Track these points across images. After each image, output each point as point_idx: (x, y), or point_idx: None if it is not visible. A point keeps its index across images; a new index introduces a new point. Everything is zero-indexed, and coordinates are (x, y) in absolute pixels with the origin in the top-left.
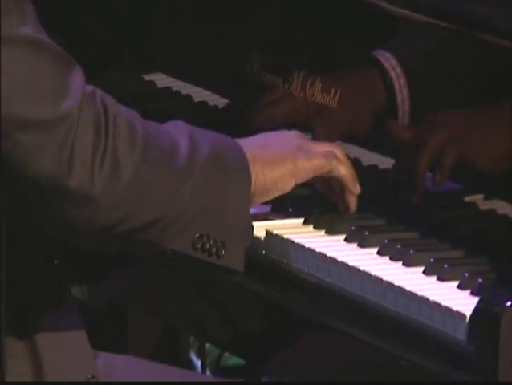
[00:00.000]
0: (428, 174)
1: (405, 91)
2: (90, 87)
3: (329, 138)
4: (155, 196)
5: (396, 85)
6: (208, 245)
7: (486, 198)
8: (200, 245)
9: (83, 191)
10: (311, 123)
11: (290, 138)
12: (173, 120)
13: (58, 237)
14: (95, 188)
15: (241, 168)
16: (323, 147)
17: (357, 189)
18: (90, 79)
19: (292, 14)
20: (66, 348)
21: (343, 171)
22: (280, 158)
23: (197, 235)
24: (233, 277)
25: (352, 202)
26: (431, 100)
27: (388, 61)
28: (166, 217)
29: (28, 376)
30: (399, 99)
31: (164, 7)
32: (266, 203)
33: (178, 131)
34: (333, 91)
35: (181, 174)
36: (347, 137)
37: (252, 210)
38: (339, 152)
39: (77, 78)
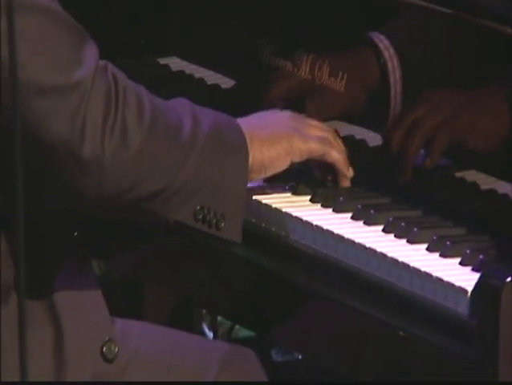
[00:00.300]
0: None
1: (397, 72)
2: (102, 61)
3: (327, 114)
4: (161, 167)
5: (390, 65)
6: (208, 217)
7: (487, 176)
8: (201, 217)
9: (94, 157)
10: (312, 101)
11: (285, 118)
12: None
13: (69, 206)
14: (105, 155)
15: (239, 146)
16: (318, 130)
17: (350, 172)
18: (116, 62)
19: (297, 5)
20: (84, 311)
21: (336, 156)
22: (276, 137)
23: (198, 207)
24: (236, 250)
25: (346, 184)
26: (423, 80)
27: (382, 42)
28: (170, 188)
29: (48, 339)
30: (391, 78)
31: None
32: (267, 179)
33: (182, 109)
34: (331, 71)
35: (185, 148)
36: (344, 114)
37: (255, 184)
38: (331, 137)
39: (91, 50)
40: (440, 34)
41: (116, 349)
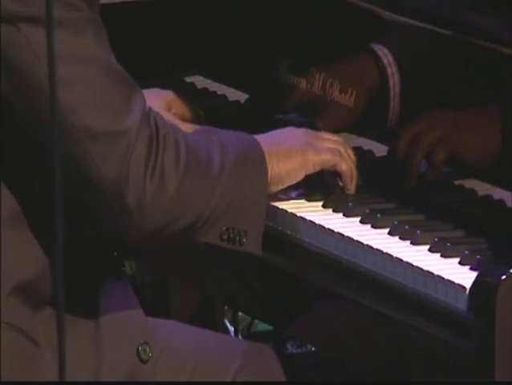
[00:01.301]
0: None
1: (397, 87)
2: (146, 108)
3: (337, 127)
4: (193, 203)
5: (389, 71)
6: (232, 235)
7: (483, 183)
8: (226, 236)
9: (136, 199)
10: (321, 118)
11: (299, 134)
12: (208, 125)
13: (110, 236)
14: (146, 197)
15: (260, 164)
16: (330, 143)
17: (358, 180)
18: (144, 80)
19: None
20: (122, 316)
21: (345, 166)
22: (292, 152)
23: (224, 228)
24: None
25: (353, 191)
26: (421, 95)
27: (382, 51)
28: (201, 219)
29: (86, 344)
30: (390, 83)
31: (202, 22)
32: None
33: (210, 142)
34: (342, 87)
35: (214, 180)
36: (352, 126)
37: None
38: (343, 150)
39: (138, 100)
40: (440, 54)
41: (151, 352)
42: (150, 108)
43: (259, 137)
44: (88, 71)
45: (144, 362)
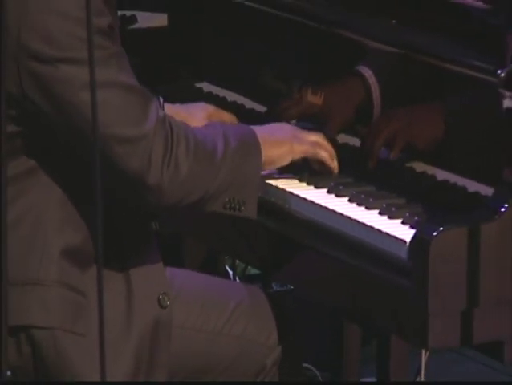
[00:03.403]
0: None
1: (378, 94)
2: (162, 113)
3: (336, 128)
4: (201, 183)
5: (373, 88)
6: (233, 204)
7: (421, 163)
8: (228, 206)
9: (156, 183)
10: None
11: (287, 128)
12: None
13: (139, 208)
14: (163, 181)
15: (256, 150)
16: (311, 137)
17: (334, 164)
18: (162, 86)
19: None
20: (148, 271)
21: (324, 154)
22: (281, 142)
23: (227, 199)
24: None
25: (332, 173)
26: (395, 99)
27: (367, 72)
28: (208, 194)
29: (120, 294)
30: (374, 98)
31: (209, 40)
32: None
33: (215, 133)
34: (330, 98)
35: (218, 164)
36: (342, 126)
37: (268, 173)
38: (321, 140)
39: (153, 107)
40: (402, 69)
41: (168, 300)
42: (164, 113)
43: (255, 128)
44: (113, 94)
45: (163, 308)
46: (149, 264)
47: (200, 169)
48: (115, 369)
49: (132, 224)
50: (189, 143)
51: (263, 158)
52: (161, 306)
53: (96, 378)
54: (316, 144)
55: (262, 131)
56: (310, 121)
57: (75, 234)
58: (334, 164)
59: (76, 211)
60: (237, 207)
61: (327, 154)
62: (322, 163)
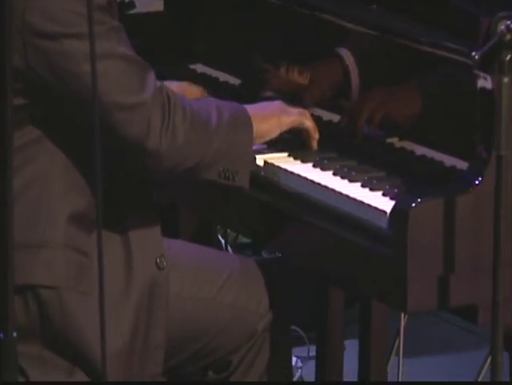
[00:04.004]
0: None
1: (356, 73)
2: (159, 83)
3: (312, 100)
4: (197, 149)
5: (351, 68)
6: (227, 174)
7: (400, 140)
8: (223, 175)
9: (155, 148)
10: (300, 94)
11: (275, 104)
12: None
13: (141, 175)
14: (162, 146)
15: (247, 125)
16: (297, 110)
17: (317, 135)
18: (159, 67)
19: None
20: (146, 235)
21: (309, 124)
22: (270, 116)
23: (221, 168)
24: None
25: (314, 144)
26: (372, 79)
27: (346, 54)
28: (203, 161)
29: (120, 255)
30: (352, 77)
31: (203, 24)
32: (263, 144)
33: (209, 106)
34: (312, 76)
35: (213, 134)
36: (319, 102)
37: (259, 148)
38: (307, 113)
39: (151, 77)
40: (381, 51)
41: (165, 260)
42: (162, 83)
43: (246, 106)
44: (113, 64)
45: (161, 269)
46: (148, 228)
47: (195, 137)
48: (115, 327)
49: (132, 190)
50: (186, 111)
51: (254, 133)
52: (159, 268)
53: (98, 336)
54: (302, 116)
55: (251, 107)
56: (286, 98)
57: (79, 200)
58: (316, 136)
59: (80, 177)
60: (231, 177)
61: (310, 125)
62: (306, 134)
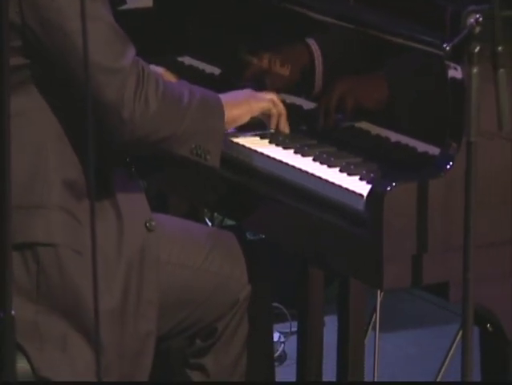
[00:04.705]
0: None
1: (320, 61)
2: (136, 57)
3: (278, 88)
4: (169, 121)
5: (316, 55)
6: (199, 152)
7: (379, 127)
8: (195, 152)
9: (129, 115)
10: (269, 82)
11: (246, 92)
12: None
13: (114, 147)
14: (135, 113)
15: (219, 107)
16: (267, 95)
17: (285, 121)
18: (147, 59)
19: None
20: (134, 202)
21: (278, 110)
22: (241, 102)
23: (193, 145)
24: (222, 172)
25: (285, 130)
26: (336, 67)
27: (313, 45)
28: (175, 134)
29: (113, 220)
30: (316, 64)
31: (191, 19)
32: (236, 128)
33: (183, 86)
34: (282, 63)
35: (184, 109)
36: (288, 88)
37: (231, 131)
38: (275, 99)
39: (130, 48)
40: (347, 41)
41: (154, 223)
42: (138, 57)
43: (220, 94)
44: (98, 25)
45: (150, 231)
46: (135, 194)
47: (167, 109)
48: (107, 287)
49: (116, 162)
50: (159, 84)
51: (226, 117)
52: (148, 230)
53: (92, 294)
54: (272, 102)
55: (223, 95)
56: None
57: (72, 169)
58: (285, 120)
59: (72, 147)
60: (203, 155)
61: (281, 109)
62: (276, 118)
